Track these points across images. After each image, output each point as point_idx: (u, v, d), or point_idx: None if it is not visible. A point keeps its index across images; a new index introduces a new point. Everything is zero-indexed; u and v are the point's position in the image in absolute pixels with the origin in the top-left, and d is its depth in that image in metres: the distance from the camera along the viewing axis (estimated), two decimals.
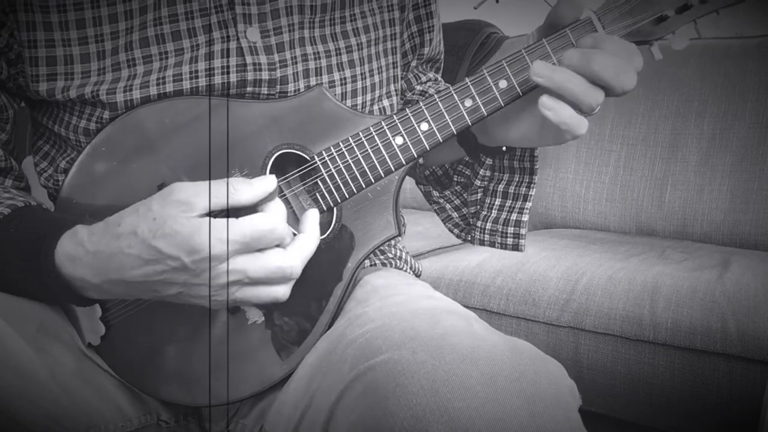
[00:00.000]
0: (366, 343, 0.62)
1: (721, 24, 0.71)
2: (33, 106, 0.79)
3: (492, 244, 0.84)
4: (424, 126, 0.71)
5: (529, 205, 0.81)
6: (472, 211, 0.85)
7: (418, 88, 0.92)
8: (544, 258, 1.61)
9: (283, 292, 0.63)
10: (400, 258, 0.91)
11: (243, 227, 0.59)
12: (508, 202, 0.81)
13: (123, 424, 0.73)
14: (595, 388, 1.45)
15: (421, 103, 0.71)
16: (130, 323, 0.70)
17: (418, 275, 0.93)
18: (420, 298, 0.72)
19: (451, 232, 0.90)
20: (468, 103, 0.70)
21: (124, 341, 0.71)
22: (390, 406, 0.55)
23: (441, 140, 0.71)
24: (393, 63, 0.86)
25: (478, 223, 0.84)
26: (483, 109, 0.70)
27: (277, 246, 0.62)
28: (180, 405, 0.75)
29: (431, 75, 0.94)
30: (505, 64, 0.69)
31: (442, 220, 0.90)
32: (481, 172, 0.81)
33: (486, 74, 0.70)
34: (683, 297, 1.38)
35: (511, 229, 0.82)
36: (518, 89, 0.70)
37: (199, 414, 0.78)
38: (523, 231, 0.82)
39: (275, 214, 0.61)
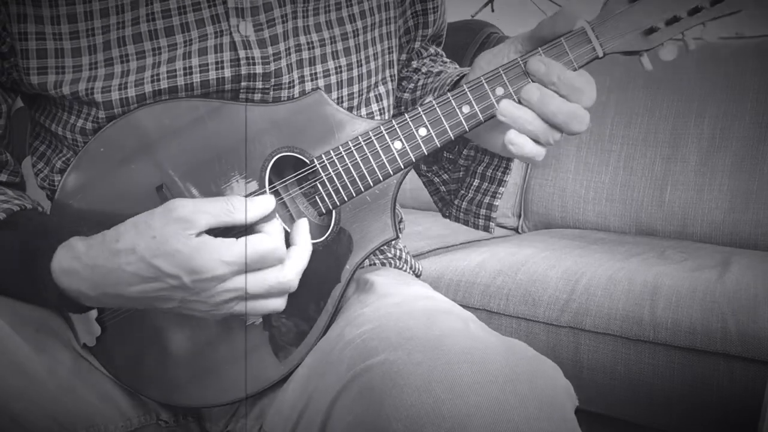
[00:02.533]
0: (363, 344, 0.62)
1: (710, 32, 0.73)
2: (31, 104, 0.79)
3: (465, 222, 0.88)
4: (423, 131, 0.71)
5: (502, 190, 0.84)
6: (453, 188, 0.87)
7: (414, 64, 0.93)
8: (544, 258, 1.61)
9: (279, 304, 0.64)
10: (400, 258, 0.91)
11: (243, 249, 0.59)
12: (485, 185, 0.84)
13: (123, 423, 0.73)
14: (595, 388, 1.45)
15: (419, 108, 0.71)
16: (125, 325, 0.70)
17: (418, 275, 0.93)
18: (417, 299, 0.72)
19: (436, 205, 0.92)
20: (466, 109, 0.71)
21: (119, 342, 0.71)
22: (386, 407, 0.55)
23: (439, 145, 0.72)
24: (389, 48, 0.86)
25: (455, 201, 0.87)
26: (480, 116, 0.71)
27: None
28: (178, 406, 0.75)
29: (432, 50, 0.95)
30: (501, 72, 0.70)
31: (430, 193, 0.92)
32: (465, 152, 0.83)
33: (483, 81, 0.71)
34: (683, 297, 1.38)
35: (483, 211, 0.85)
36: (514, 97, 0.70)
37: (199, 413, 0.78)
38: (493, 214, 0.85)
39: (275, 235, 0.62)
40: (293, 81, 0.76)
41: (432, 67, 0.92)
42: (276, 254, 0.61)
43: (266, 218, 0.63)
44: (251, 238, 0.60)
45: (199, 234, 0.60)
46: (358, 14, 0.82)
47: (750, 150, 1.85)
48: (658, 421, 1.40)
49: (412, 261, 0.93)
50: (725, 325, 1.31)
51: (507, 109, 0.69)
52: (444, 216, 0.91)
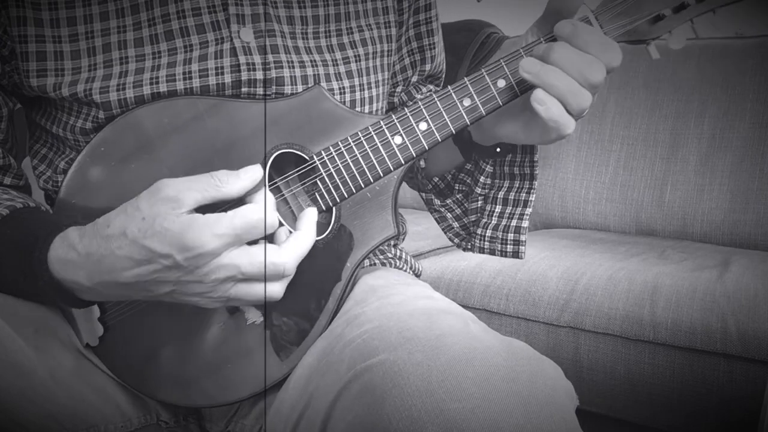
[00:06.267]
0: (363, 344, 0.62)
1: (720, 24, 0.71)
2: (30, 106, 0.79)
3: (492, 252, 0.83)
4: (423, 125, 0.71)
5: (529, 210, 0.80)
6: (473, 220, 0.85)
7: (419, 97, 0.92)
8: (544, 258, 1.61)
9: (277, 290, 0.63)
10: (400, 258, 0.91)
11: (233, 220, 0.58)
12: (508, 209, 0.81)
13: (123, 423, 0.73)
14: (595, 388, 1.45)
15: (419, 102, 0.71)
16: (128, 324, 0.70)
17: (418, 275, 0.93)
18: (418, 299, 0.72)
19: (452, 241, 0.89)
20: (466, 102, 0.70)
21: (122, 342, 0.71)
22: (386, 407, 0.55)
23: (440, 139, 0.71)
24: (387, 79, 0.86)
25: (478, 231, 0.83)
26: (481, 109, 0.70)
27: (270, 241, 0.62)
28: (179, 406, 0.75)
29: (431, 87, 0.94)
30: (503, 63, 0.69)
31: (443, 230, 0.90)
32: (481, 180, 0.81)
33: (484, 73, 0.70)
34: (683, 297, 1.38)
35: (511, 236, 0.81)
36: (516, 88, 0.70)
37: (199, 414, 0.78)
38: (523, 237, 0.81)
39: (262, 203, 0.61)
40: (296, 94, 0.76)
41: None
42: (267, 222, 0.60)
43: (255, 189, 0.63)
44: (240, 208, 0.59)
45: (189, 212, 0.59)
46: (359, 41, 0.81)
47: (750, 150, 1.86)
48: (658, 421, 1.41)
49: (412, 261, 0.93)
50: (725, 325, 1.32)
51: (530, 63, 0.65)
52: (464, 250, 0.87)
